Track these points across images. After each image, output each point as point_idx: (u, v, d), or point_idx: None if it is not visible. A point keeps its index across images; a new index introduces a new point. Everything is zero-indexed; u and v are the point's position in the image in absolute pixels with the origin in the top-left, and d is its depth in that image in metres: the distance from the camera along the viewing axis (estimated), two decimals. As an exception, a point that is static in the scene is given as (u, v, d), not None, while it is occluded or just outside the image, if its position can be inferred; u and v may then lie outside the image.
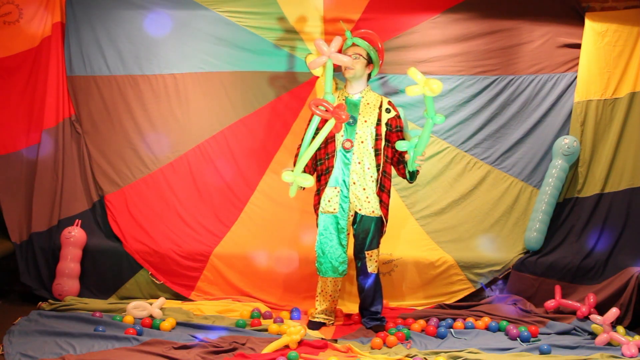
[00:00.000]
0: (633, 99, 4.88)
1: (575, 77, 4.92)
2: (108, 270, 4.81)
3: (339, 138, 4.23)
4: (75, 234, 4.70)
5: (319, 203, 4.28)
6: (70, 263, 4.66)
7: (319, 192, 4.28)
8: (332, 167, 4.21)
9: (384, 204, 4.25)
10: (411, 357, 3.80)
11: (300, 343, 3.91)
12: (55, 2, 4.91)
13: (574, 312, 4.52)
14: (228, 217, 4.97)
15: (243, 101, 5.02)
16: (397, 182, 4.95)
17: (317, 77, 4.92)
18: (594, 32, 4.86)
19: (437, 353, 3.85)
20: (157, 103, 5.00)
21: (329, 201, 4.23)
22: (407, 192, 4.97)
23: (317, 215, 4.30)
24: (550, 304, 4.59)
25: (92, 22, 4.95)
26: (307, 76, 4.96)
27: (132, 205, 4.96)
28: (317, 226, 4.33)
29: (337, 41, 4.03)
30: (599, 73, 4.87)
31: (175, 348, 3.72)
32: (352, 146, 4.19)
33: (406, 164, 4.15)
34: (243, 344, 3.86)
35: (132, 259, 4.80)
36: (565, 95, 4.94)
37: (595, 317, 4.23)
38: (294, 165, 4.09)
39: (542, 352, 3.89)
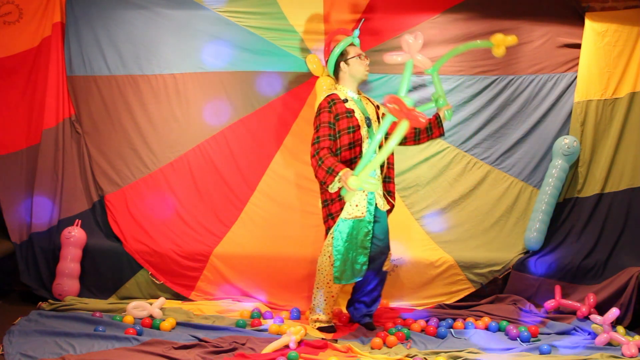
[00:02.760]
0: (633, 99, 4.88)
1: (575, 77, 4.92)
2: (108, 270, 4.81)
3: (365, 140, 4.09)
4: (75, 234, 4.70)
5: (341, 209, 4.05)
6: (70, 263, 4.66)
7: (341, 197, 4.02)
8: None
9: (392, 194, 4.25)
10: (411, 357, 3.80)
11: (300, 343, 3.91)
12: (55, 2, 4.91)
13: (574, 312, 4.52)
14: (228, 217, 4.97)
15: (243, 101, 5.02)
16: (397, 182, 4.95)
17: (317, 77, 4.92)
18: (594, 32, 4.86)
19: (437, 353, 3.85)
20: (157, 103, 5.00)
21: (356, 205, 4.04)
22: (407, 192, 4.97)
23: (336, 221, 4.06)
24: (550, 304, 4.59)
25: (92, 22, 4.95)
26: (307, 76, 4.97)
27: (132, 205, 4.96)
28: (328, 232, 4.12)
29: (420, 39, 3.80)
30: (599, 73, 4.87)
31: (175, 348, 3.72)
32: None
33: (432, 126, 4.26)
34: (243, 344, 3.86)
35: (132, 259, 4.80)
36: (565, 95, 4.94)
37: (595, 317, 4.23)
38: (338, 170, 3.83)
39: (542, 352, 3.89)
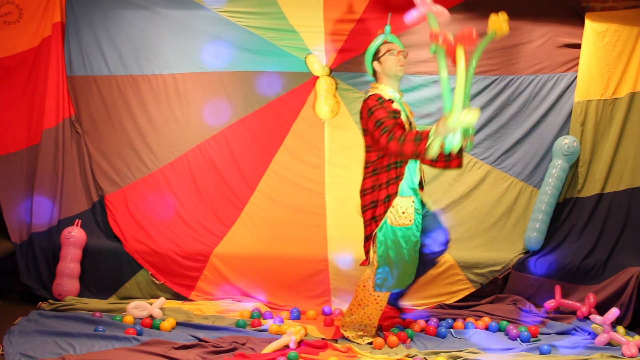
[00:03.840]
0: (633, 99, 4.88)
1: (575, 77, 4.92)
2: (108, 270, 4.81)
3: None
4: (75, 234, 4.70)
5: (385, 212, 3.83)
6: (70, 263, 4.66)
7: (386, 201, 3.83)
8: (403, 174, 3.83)
9: None
10: (411, 357, 3.81)
11: (300, 343, 3.91)
12: (55, 2, 4.90)
13: (574, 312, 4.52)
14: (228, 217, 4.96)
15: (243, 101, 5.02)
16: (397, 182, 4.96)
17: (317, 77, 4.92)
18: (594, 32, 4.86)
19: (437, 353, 3.85)
20: (157, 103, 5.00)
21: (403, 212, 3.83)
22: (407, 192, 4.97)
23: (379, 225, 3.85)
24: (550, 304, 4.59)
25: (92, 22, 4.95)
26: (307, 76, 4.97)
27: (132, 205, 4.95)
28: (372, 235, 3.89)
29: None
30: (599, 73, 4.87)
31: (175, 348, 3.73)
32: None
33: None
34: (243, 344, 3.86)
35: (132, 259, 4.80)
36: (565, 95, 4.94)
37: (595, 317, 4.23)
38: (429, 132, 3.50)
39: (542, 352, 3.89)
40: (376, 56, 3.98)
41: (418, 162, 3.89)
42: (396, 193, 3.83)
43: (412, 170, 3.88)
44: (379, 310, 4.03)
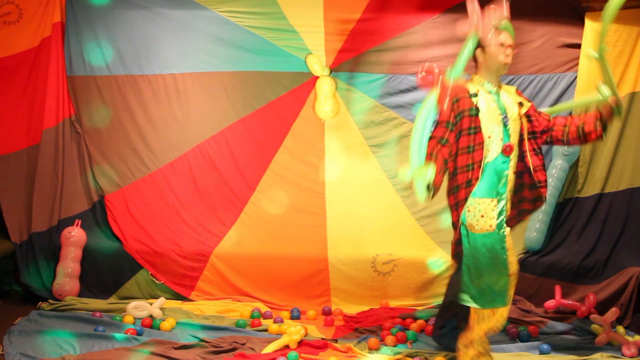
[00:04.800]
0: (633, 99, 4.88)
1: (575, 77, 4.92)
2: (108, 270, 4.81)
3: (499, 142, 3.34)
4: (75, 234, 4.70)
5: (458, 220, 3.35)
6: (70, 263, 4.66)
7: (457, 207, 3.36)
8: (477, 179, 3.31)
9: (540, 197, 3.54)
10: (411, 357, 3.81)
11: (300, 343, 3.91)
12: (55, 2, 4.91)
13: (574, 312, 4.52)
14: (228, 217, 4.97)
15: (243, 101, 5.02)
16: (396, 182, 4.95)
17: (317, 77, 4.92)
18: (594, 32, 4.86)
19: (437, 353, 3.85)
20: (157, 103, 5.00)
21: (482, 216, 3.28)
22: (407, 192, 4.96)
23: (457, 236, 3.38)
24: (550, 304, 4.58)
25: (92, 22, 4.95)
26: (307, 76, 4.97)
27: (132, 205, 4.96)
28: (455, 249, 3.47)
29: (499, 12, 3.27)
30: (599, 73, 4.86)
31: (175, 348, 3.73)
32: (512, 150, 3.37)
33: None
34: (243, 344, 3.86)
35: (132, 259, 4.81)
36: (565, 95, 4.94)
37: (595, 317, 4.23)
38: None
39: (542, 352, 3.89)
40: (481, 44, 3.52)
41: (508, 163, 3.39)
42: (466, 199, 3.32)
43: (495, 172, 3.36)
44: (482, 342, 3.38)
